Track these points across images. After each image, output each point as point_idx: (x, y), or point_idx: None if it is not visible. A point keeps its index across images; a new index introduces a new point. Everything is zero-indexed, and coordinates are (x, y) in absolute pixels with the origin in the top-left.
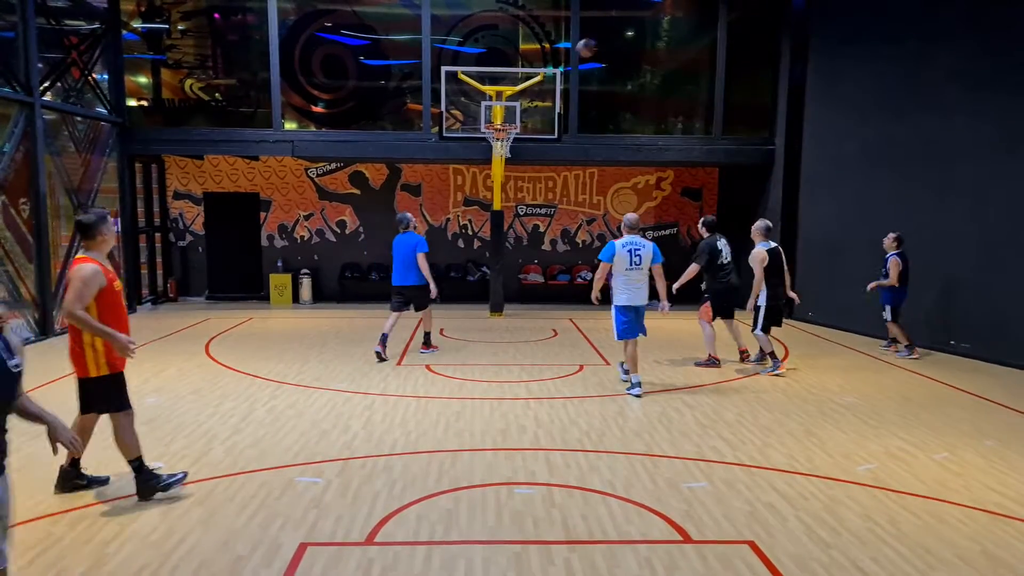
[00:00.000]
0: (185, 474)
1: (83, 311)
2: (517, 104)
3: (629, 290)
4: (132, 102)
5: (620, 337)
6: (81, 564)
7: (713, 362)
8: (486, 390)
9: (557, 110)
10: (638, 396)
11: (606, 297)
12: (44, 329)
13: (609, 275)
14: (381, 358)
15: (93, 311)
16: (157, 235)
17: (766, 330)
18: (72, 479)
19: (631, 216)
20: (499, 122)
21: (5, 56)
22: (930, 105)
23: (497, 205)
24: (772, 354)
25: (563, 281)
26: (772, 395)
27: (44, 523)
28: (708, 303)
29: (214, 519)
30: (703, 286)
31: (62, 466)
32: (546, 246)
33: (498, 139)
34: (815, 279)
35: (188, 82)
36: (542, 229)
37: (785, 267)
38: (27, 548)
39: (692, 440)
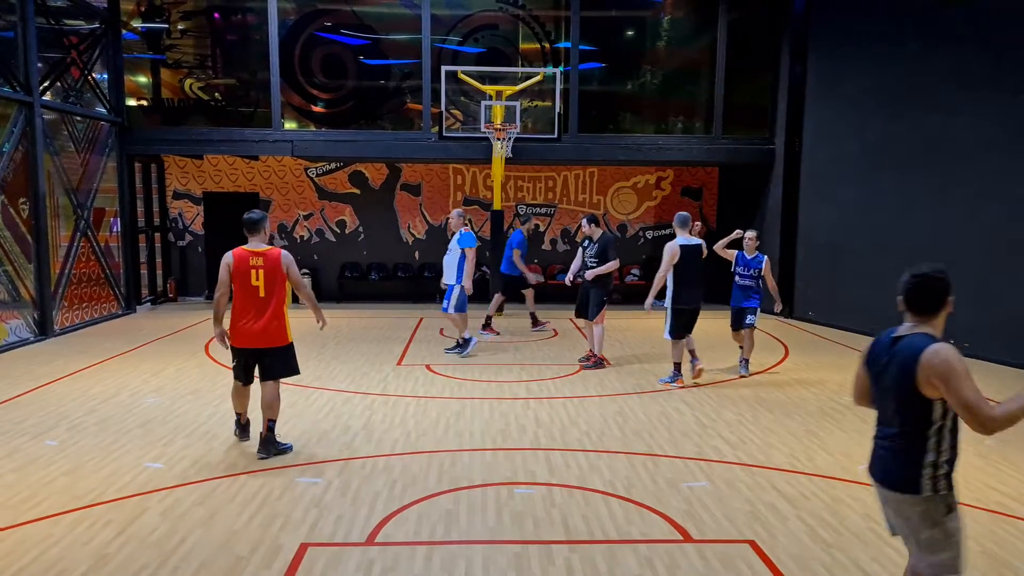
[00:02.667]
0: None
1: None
2: (517, 104)
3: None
4: (131, 102)
5: (465, 310)
6: (82, 565)
7: (599, 363)
8: (486, 390)
9: (557, 110)
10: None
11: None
12: (43, 329)
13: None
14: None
15: (287, 286)
16: (156, 235)
17: (677, 335)
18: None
19: (458, 210)
20: (499, 122)
21: (5, 56)
22: (930, 105)
23: (497, 205)
24: (677, 365)
25: (563, 281)
26: (773, 395)
27: (45, 524)
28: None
29: (214, 519)
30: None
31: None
32: (546, 246)
33: (498, 139)
34: (815, 279)
35: (188, 82)
36: (542, 229)
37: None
38: (27, 549)
39: (692, 440)
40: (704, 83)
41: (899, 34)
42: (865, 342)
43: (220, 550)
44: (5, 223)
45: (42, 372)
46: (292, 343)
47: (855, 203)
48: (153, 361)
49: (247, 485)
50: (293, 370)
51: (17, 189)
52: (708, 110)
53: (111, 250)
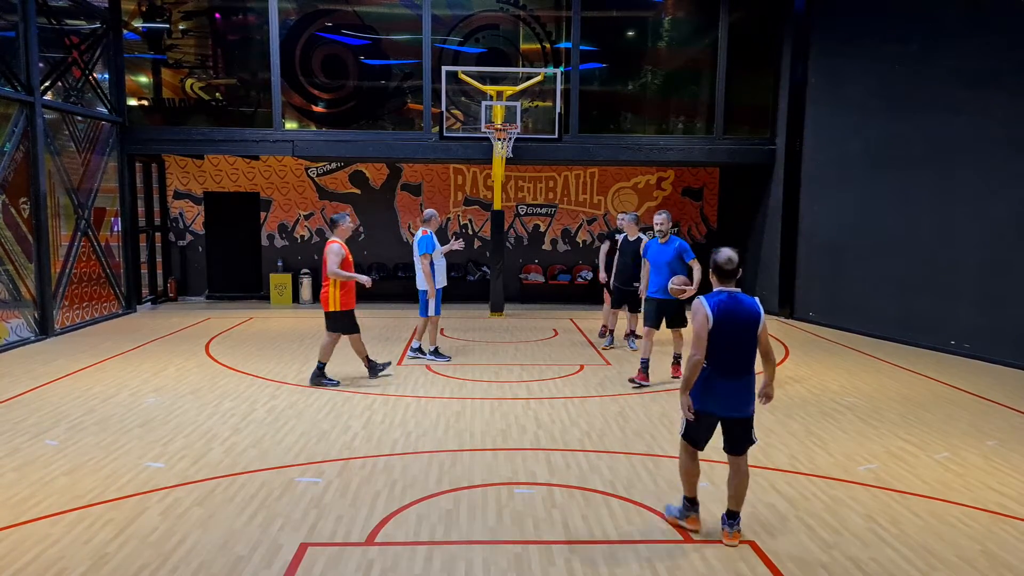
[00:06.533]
0: (389, 363)
1: (338, 269)
2: (518, 104)
3: (443, 272)
4: (132, 101)
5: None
6: (81, 565)
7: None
8: (486, 390)
9: (558, 110)
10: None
11: None
12: (44, 329)
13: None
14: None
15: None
16: (157, 234)
17: (614, 306)
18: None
19: (430, 211)
20: (500, 122)
21: (6, 55)
22: (932, 104)
23: (497, 205)
24: (611, 329)
25: (564, 281)
26: (773, 395)
27: (44, 523)
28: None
29: (214, 519)
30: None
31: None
32: (547, 246)
33: (499, 139)
34: (816, 279)
35: (189, 82)
36: (542, 229)
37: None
38: (27, 548)
39: None
40: (705, 83)
41: (901, 34)
42: (865, 342)
43: (220, 550)
44: (6, 223)
45: (42, 371)
46: (337, 312)
47: (856, 203)
48: (153, 361)
49: (247, 485)
50: (331, 329)
51: (18, 189)
52: (709, 110)
53: (112, 250)
